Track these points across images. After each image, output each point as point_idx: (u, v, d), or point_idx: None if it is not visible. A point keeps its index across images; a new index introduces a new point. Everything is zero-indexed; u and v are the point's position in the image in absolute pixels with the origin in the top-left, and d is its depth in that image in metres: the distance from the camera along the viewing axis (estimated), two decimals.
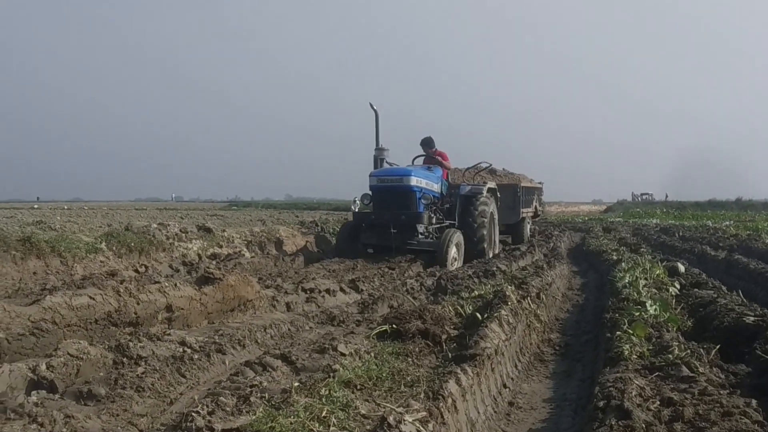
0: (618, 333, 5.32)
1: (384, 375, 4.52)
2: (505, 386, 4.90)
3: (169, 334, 5.43)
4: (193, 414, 3.47)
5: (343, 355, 4.85)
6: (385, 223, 13.09)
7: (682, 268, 10.35)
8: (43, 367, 4.18)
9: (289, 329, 6.37)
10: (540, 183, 23.36)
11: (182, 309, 6.39)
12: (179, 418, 3.65)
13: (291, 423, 3.31)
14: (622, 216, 48.75)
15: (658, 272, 9.41)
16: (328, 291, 8.40)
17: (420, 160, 15.30)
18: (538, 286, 8.06)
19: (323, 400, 3.79)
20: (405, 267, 12.04)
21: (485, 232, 14.16)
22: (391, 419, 3.02)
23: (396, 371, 4.68)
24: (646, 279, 8.41)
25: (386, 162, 14.94)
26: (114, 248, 11.40)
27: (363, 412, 3.68)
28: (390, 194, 13.50)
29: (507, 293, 6.51)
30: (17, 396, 3.95)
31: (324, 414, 3.53)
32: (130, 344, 4.88)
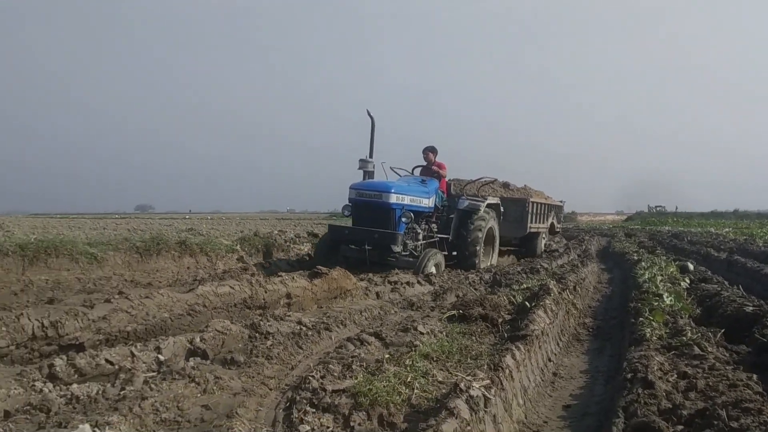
0: (641, 319, 5.18)
1: (454, 350, 4.50)
2: (549, 360, 4.80)
3: (289, 316, 5.49)
4: (310, 377, 3.52)
5: (421, 333, 4.84)
6: (359, 239, 10.05)
7: (691, 266, 9.96)
8: (198, 339, 4.29)
9: (378, 313, 6.38)
10: (561, 201, 19.20)
11: (298, 296, 6.49)
12: (299, 380, 3.70)
13: (384, 386, 3.33)
14: (640, 224, 47.29)
15: (671, 270, 9.11)
16: (408, 283, 8.38)
17: (420, 171, 12.07)
18: (574, 281, 7.89)
19: (408, 368, 3.80)
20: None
21: (478, 249, 11.32)
22: (462, 385, 3.00)
23: (463, 347, 4.65)
24: (662, 275, 8.15)
25: (395, 171, 11.88)
26: (246, 249, 11.67)
27: (439, 379, 3.68)
28: (368, 209, 10.17)
29: (550, 286, 6.38)
30: (179, 361, 4.06)
31: (409, 379, 3.55)
32: (261, 323, 4.94)
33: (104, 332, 4.48)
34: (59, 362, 3.49)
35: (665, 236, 23.89)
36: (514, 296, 6.59)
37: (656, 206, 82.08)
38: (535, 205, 15.33)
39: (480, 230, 11.42)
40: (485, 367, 3.55)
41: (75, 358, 3.59)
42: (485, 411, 2.96)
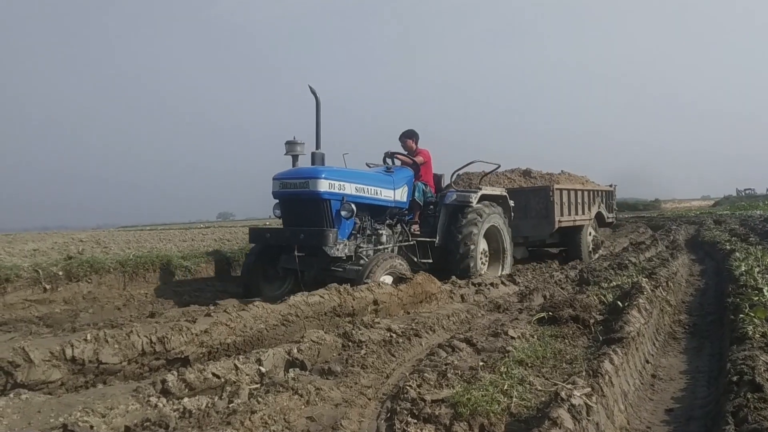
0: (741, 315, 4.98)
1: (548, 354, 4.46)
2: (647, 362, 4.67)
3: (378, 323, 5.54)
4: (407, 387, 3.57)
5: (512, 338, 4.81)
6: (285, 242, 7.84)
7: None
8: (295, 350, 4.41)
9: (466, 316, 6.37)
10: (610, 186, 15.43)
11: (384, 302, 6.56)
12: (396, 389, 3.76)
13: (482, 395, 3.34)
14: (729, 209, 45.06)
15: None
16: (492, 284, 8.30)
17: (393, 159, 9.54)
18: (666, 275, 7.62)
19: (503, 375, 3.79)
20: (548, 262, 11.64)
21: (471, 263, 8.98)
22: (563, 394, 2.98)
23: (556, 351, 4.60)
24: (759, 266, 7.78)
25: (368, 166, 9.68)
26: None
27: (537, 386, 3.65)
28: (294, 204, 8.03)
29: (642, 284, 6.20)
30: (279, 372, 4.20)
31: (506, 387, 3.54)
32: (353, 332, 5.01)
33: (206, 345, 4.68)
34: (171, 377, 3.68)
35: (757, 221, 22.62)
36: (604, 295, 6.44)
37: (745, 189, 78.05)
38: (564, 193, 12.22)
39: (471, 237, 9.02)
40: (583, 373, 3.50)
41: (185, 373, 3.78)
42: (588, 419, 2.93)
